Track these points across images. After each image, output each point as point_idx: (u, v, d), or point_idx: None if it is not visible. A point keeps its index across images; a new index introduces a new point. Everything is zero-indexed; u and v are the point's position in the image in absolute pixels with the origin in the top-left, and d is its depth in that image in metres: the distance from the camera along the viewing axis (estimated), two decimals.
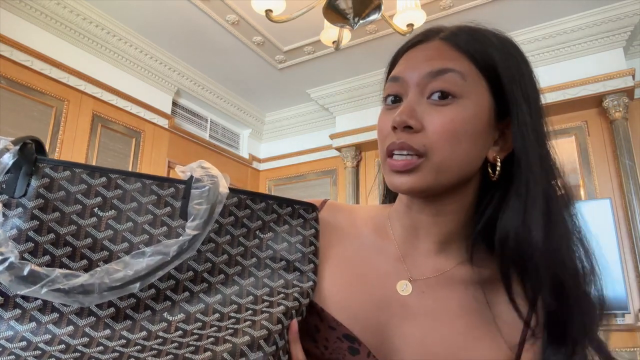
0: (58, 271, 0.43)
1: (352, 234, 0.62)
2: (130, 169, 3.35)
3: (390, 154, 0.54)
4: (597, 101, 3.17)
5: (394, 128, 0.53)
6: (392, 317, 0.55)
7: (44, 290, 0.41)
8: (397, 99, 0.57)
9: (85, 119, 3.12)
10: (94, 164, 3.12)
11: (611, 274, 2.87)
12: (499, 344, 0.54)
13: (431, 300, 0.56)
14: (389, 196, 0.69)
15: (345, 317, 0.54)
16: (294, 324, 0.50)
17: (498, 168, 0.55)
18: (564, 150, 3.61)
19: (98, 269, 0.44)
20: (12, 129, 2.70)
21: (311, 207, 0.59)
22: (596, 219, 3.00)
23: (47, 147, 2.81)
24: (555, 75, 3.27)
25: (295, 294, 0.53)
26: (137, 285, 0.44)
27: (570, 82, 3.18)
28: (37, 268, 0.42)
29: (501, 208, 0.55)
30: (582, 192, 3.23)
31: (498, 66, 0.54)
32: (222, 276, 0.51)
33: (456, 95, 0.53)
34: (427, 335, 0.54)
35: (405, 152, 0.53)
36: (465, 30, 0.58)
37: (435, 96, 0.53)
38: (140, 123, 3.48)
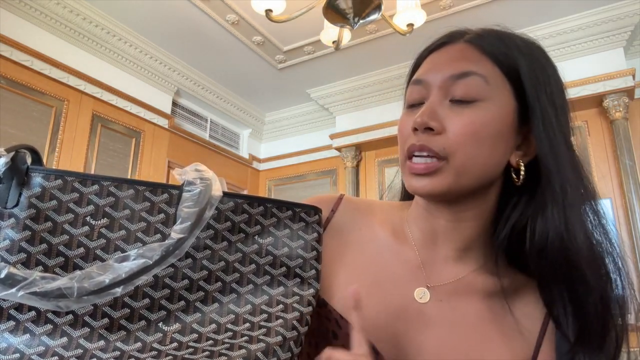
0: (37, 274, 0.41)
1: (369, 237, 0.61)
2: (130, 169, 3.35)
3: (410, 156, 0.53)
4: (597, 101, 3.17)
5: (415, 129, 0.53)
6: (409, 327, 0.54)
7: (20, 293, 0.40)
8: (419, 104, 0.56)
9: (85, 119, 3.12)
10: (93, 164, 3.12)
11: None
12: (514, 355, 0.53)
13: (448, 309, 0.55)
14: (407, 195, 0.67)
15: (364, 327, 0.53)
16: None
17: (522, 173, 0.54)
18: None
19: (78, 272, 0.43)
20: (12, 129, 2.70)
21: (313, 210, 0.56)
22: None
23: (47, 147, 2.83)
24: None
25: (295, 304, 0.51)
26: (119, 289, 0.43)
27: (570, 82, 3.15)
28: (14, 270, 0.41)
29: (531, 213, 0.54)
30: None
31: (521, 69, 0.54)
32: (219, 284, 0.50)
33: (478, 99, 0.52)
34: (443, 345, 0.53)
35: (425, 154, 0.52)
36: (490, 33, 0.57)
37: (457, 101, 0.53)
38: (140, 123, 3.48)
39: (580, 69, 3.19)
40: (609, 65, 3.12)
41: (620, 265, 0.53)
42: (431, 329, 0.54)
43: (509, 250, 0.57)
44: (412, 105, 0.56)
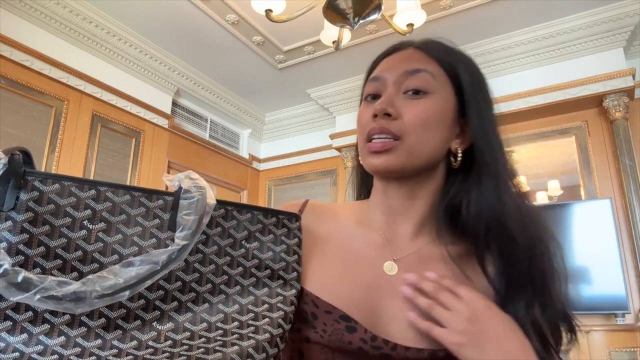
0: (51, 279, 0.43)
1: (335, 228, 0.68)
2: (130, 169, 3.35)
3: (369, 139, 0.62)
4: (597, 101, 3.17)
5: (375, 116, 0.62)
6: (382, 296, 0.61)
7: (38, 296, 0.42)
8: (376, 97, 0.66)
9: (85, 119, 3.12)
10: (93, 164, 3.12)
11: (611, 273, 2.87)
12: None
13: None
14: (364, 192, 0.77)
15: (340, 302, 0.59)
16: None
17: (459, 156, 0.65)
18: (564, 150, 3.61)
19: (90, 276, 0.45)
20: (12, 129, 2.71)
21: (294, 217, 0.62)
22: (596, 219, 3.00)
23: (47, 147, 2.83)
24: (555, 75, 3.27)
25: (279, 304, 0.55)
26: (127, 293, 0.45)
27: (570, 82, 3.18)
28: (30, 275, 0.43)
29: (466, 189, 0.64)
30: (582, 192, 3.23)
31: (460, 71, 0.65)
32: (209, 285, 0.53)
33: (428, 91, 0.63)
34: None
35: (384, 136, 0.61)
36: (434, 41, 0.69)
37: (410, 91, 0.63)
38: (140, 123, 3.48)
39: (580, 69, 3.19)
40: (609, 65, 3.12)
41: (543, 225, 0.64)
42: (403, 297, 0.60)
43: (457, 223, 0.66)
44: (370, 98, 0.67)
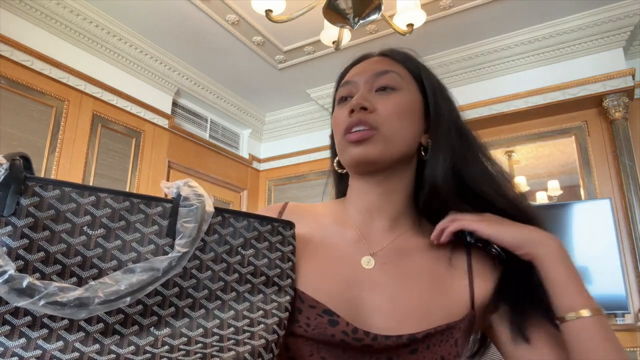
0: (55, 284, 0.43)
1: (314, 227, 0.71)
2: (130, 169, 3.35)
3: (348, 132, 0.67)
4: (597, 101, 3.17)
5: (351, 111, 0.67)
6: (363, 290, 0.64)
7: (42, 302, 0.42)
8: (348, 98, 0.71)
9: (85, 119, 3.12)
10: (94, 164, 3.12)
11: (611, 273, 2.87)
12: (456, 291, 0.66)
13: (393, 268, 0.66)
14: (339, 195, 0.81)
15: (322, 297, 0.62)
16: None
17: (429, 148, 0.70)
18: (564, 150, 3.61)
19: (92, 282, 0.45)
20: (12, 129, 2.71)
21: (289, 225, 0.63)
22: (596, 219, 3.00)
23: (47, 147, 2.83)
24: (555, 75, 3.27)
25: (274, 310, 0.56)
26: (128, 299, 0.45)
27: (570, 82, 3.18)
28: (34, 281, 0.43)
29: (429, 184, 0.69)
30: (582, 192, 3.23)
31: (423, 74, 0.72)
32: (205, 291, 0.54)
33: (397, 88, 0.69)
34: (397, 296, 0.63)
35: (361, 127, 0.65)
36: (397, 49, 0.76)
37: (381, 89, 0.69)
38: (140, 123, 3.48)
39: (580, 69, 3.20)
40: (609, 66, 3.12)
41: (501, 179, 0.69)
42: (382, 288, 0.64)
43: (428, 215, 0.71)
44: (342, 101, 0.72)
